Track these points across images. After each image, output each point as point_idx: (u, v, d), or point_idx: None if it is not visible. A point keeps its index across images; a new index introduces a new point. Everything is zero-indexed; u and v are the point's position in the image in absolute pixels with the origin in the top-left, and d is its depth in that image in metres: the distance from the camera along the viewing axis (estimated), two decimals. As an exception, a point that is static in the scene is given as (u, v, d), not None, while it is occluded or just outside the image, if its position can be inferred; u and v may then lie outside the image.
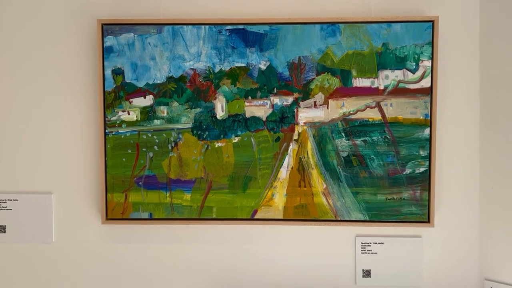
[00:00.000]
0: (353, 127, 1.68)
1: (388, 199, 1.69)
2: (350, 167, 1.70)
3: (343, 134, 1.69)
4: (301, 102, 1.68)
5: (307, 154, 1.69)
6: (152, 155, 1.73)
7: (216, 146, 1.71)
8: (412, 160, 1.69)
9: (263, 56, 1.67)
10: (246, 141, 1.71)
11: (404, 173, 1.70)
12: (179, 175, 1.74)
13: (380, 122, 1.67)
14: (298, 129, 1.69)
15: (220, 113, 1.69)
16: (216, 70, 1.69)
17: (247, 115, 1.69)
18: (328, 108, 1.68)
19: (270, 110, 1.69)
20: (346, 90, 1.67)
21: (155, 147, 1.74)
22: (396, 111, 1.67)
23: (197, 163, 1.73)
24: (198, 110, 1.71)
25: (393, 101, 1.67)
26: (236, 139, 1.71)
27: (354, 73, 1.66)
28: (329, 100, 1.67)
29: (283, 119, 1.69)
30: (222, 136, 1.71)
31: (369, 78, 1.66)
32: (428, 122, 1.67)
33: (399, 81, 1.66)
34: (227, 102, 1.70)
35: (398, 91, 1.67)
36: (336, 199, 1.71)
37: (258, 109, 1.68)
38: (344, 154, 1.69)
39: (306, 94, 1.68)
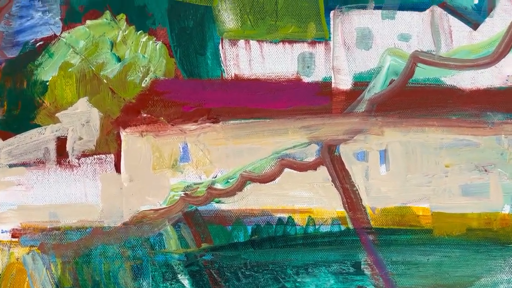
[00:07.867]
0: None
1: None
2: None
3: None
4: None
5: None
6: None
7: None
8: None
9: None
10: None
11: None
12: None
13: (345, 232, 0.91)
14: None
15: None
16: None
17: None
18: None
19: None
20: (189, 91, 0.87)
21: None
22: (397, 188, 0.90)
23: None
24: None
25: (394, 143, 0.90)
26: None
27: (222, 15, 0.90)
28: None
29: None
30: None
31: (295, 42, 0.90)
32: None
33: (415, 57, 0.88)
34: None
35: (411, 93, 0.89)
36: None
37: None
38: None
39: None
